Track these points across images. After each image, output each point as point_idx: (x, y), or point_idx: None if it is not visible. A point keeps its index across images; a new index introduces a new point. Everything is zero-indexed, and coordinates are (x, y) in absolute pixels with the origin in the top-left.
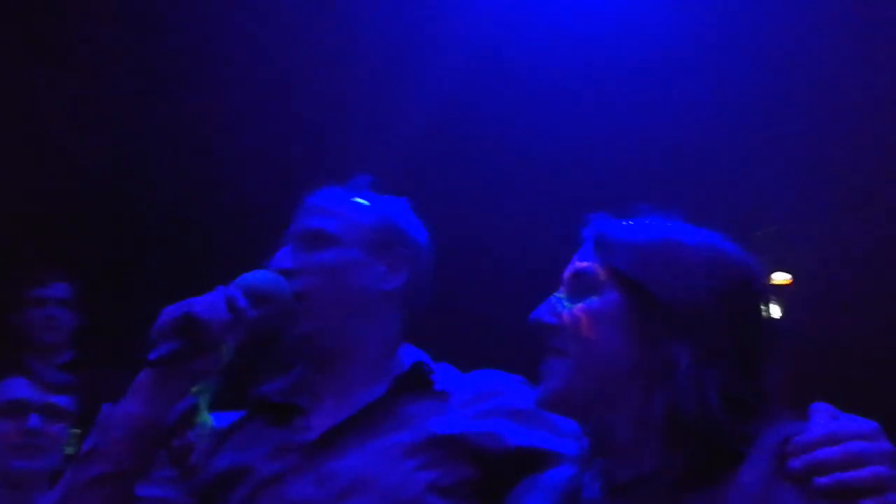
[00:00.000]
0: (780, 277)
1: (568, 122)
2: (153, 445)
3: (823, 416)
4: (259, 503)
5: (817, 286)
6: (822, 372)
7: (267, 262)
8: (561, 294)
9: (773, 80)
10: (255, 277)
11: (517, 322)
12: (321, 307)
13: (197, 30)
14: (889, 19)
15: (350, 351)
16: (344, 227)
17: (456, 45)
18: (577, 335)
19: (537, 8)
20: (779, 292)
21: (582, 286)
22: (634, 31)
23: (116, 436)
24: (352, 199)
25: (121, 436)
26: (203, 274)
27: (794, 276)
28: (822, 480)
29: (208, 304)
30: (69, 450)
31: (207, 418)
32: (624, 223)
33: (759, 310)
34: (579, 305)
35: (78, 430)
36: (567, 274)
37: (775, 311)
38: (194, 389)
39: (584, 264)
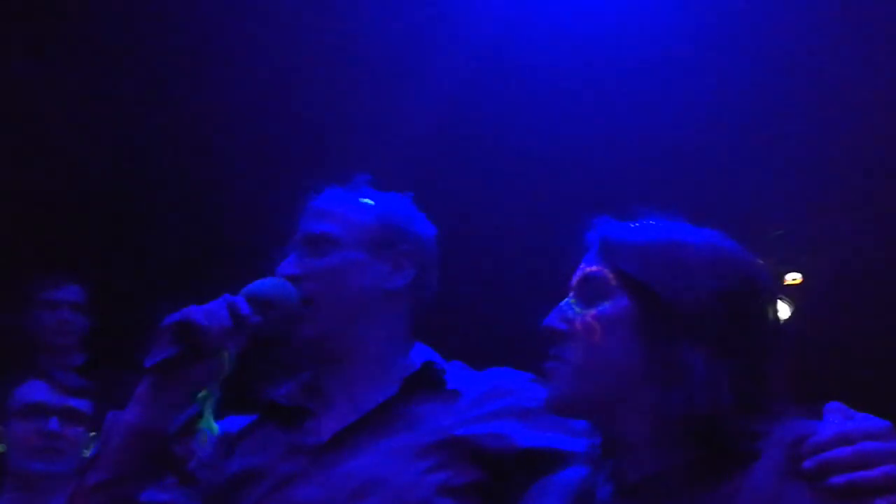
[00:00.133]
0: (792, 277)
1: (573, 123)
2: (154, 453)
3: (837, 416)
4: None
5: (828, 285)
6: (834, 371)
7: (274, 269)
8: (571, 299)
9: (783, 80)
10: (260, 284)
11: (524, 321)
12: (327, 311)
13: (200, 30)
14: None
15: (357, 352)
16: (346, 229)
17: (460, 45)
18: (589, 341)
19: (541, 8)
20: (790, 292)
21: (591, 291)
22: (639, 31)
23: (116, 443)
24: (353, 200)
25: (121, 443)
26: (215, 276)
27: (805, 276)
28: (835, 480)
29: (207, 311)
30: (87, 453)
31: (211, 425)
32: (629, 226)
33: (765, 307)
34: (591, 312)
35: (94, 434)
36: (575, 279)
37: (781, 308)
38: (199, 396)
39: (593, 269)
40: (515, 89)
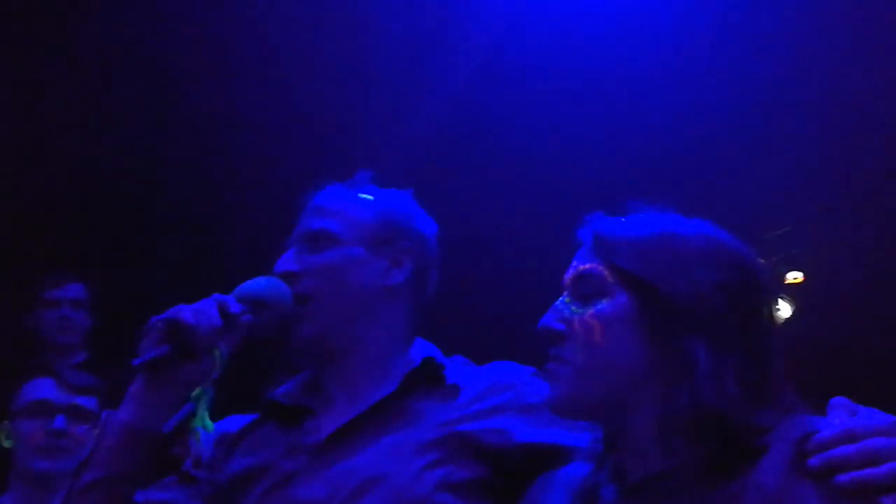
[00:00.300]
0: (793, 276)
1: (575, 124)
2: (147, 452)
3: (842, 412)
4: None
5: (830, 284)
6: (836, 370)
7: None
8: (566, 298)
9: (785, 80)
10: (252, 283)
11: (529, 317)
12: (324, 308)
13: (207, 29)
14: None
15: (356, 349)
16: (345, 225)
17: (463, 46)
18: (589, 341)
19: (546, 9)
20: (792, 291)
21: (587, 289)
22: (645, 32)
23: (110, 442)
24: (353, 197)
25: (114, 442)
26: (217, 274)
27: (807, 275)
28: (841, 479)
29: (196, 310)
30: None
31: (206, 424)
32: (621, 221)
33: (764, 297)
34: (590, 311)
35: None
36: (569, 277)
37: (782, 307)
38: (192, 395)
39: (587, 266)
40: (519, 89)
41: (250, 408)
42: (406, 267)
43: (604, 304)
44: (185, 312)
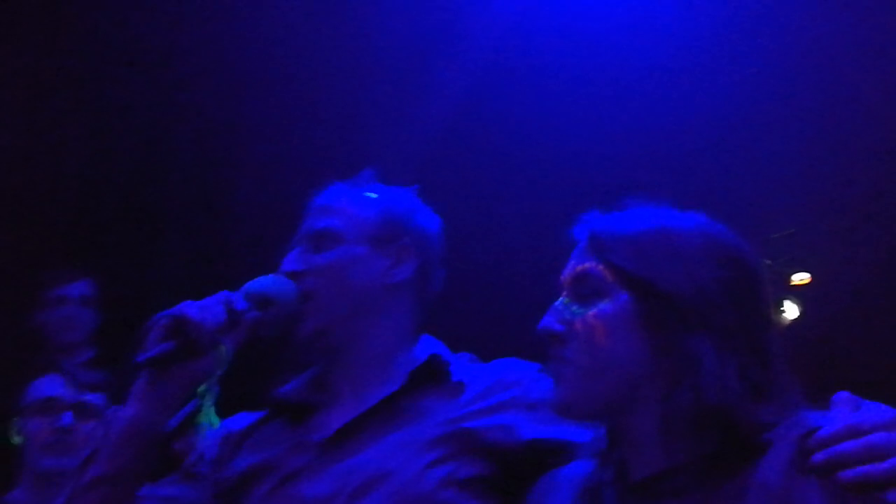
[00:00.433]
0: (800, 277)
1: (580, 123)
2: (152, 448)
3: (845, 408)
4: (276, 502)
5: (836, 285)
6: (842, 370)
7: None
8: (565, 299)
9: (792, 80)
10: (259, 281)
11: (535, 317)
12: (327, 306)
13: (215, 28)
14: None
15: (361, 347)
16: (348, 224)
17: (470, 46)
18: (592, 341)
19: (552, 8)
20: (798, 292)
21: (586, 289)
22: (651, 31)
23: (115, 438)
24: (356, 195)
25: (118, 438)
26: (224, 272)
27: (814, 276)
28: (845, 475)
29: (201, 307)
30: None
31: (211, 420)
32: (616, 218)
33: (762, 290)
34: (591, 311)
35: None
36: (567, 277)
37: (789, 308)
38: (198, 391)
39: (586, 266)
40: (524, 88)
41: (257, 405)
42: (409, 264)
43: (604, 304)
44: (191, 308)
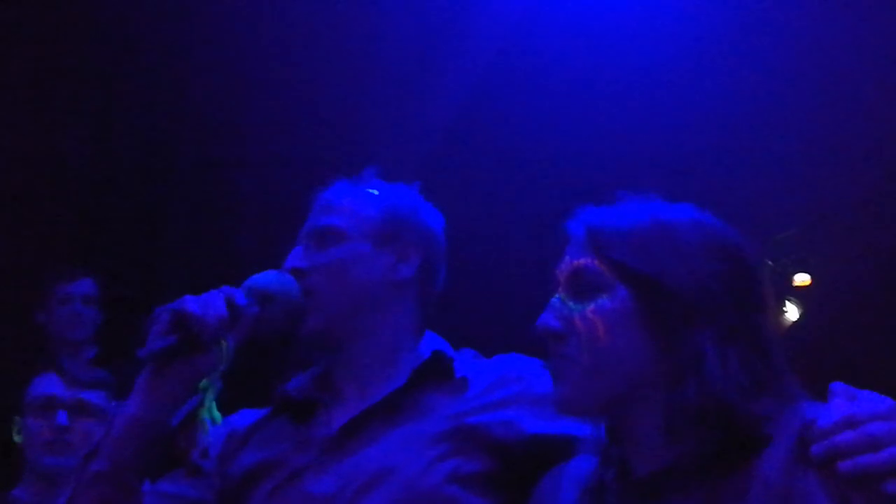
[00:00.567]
0: (801, 278)
1: (584, 121)
2: (154, 443)
3: (841, 399)
4: (280, 499)
5: (837, 287)
6: (842, 371)
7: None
8: (562, 295)
9: (794, 81)
10: (261, 277)
11: (539, 313)
12: (330, 303)
13: (220, 24)
14: None
15: (365, 344)
16: (351, 221)
17: (475, 43)
18: (592, 339)
19: (558, 7)
20: (799, 293)
21: (584, 285)
22: (656, 30)
23: (116, 433)
24: (359, 192)
25: (121, 433)
26: (228, 270)
27: (814, 277)
28: (843, 466)
29: (202, 301)
30: None
31: (214, 415)
32: (611, 212)
33: (759, 281)
34: (590, 307)
35: None
36: (564, 273)
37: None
38: (200, 386)
39: (583, 261)
40: (528, 87)
41: (261, 402)
42: (413, 261)
43: (603, 299)
44: (192, 303)
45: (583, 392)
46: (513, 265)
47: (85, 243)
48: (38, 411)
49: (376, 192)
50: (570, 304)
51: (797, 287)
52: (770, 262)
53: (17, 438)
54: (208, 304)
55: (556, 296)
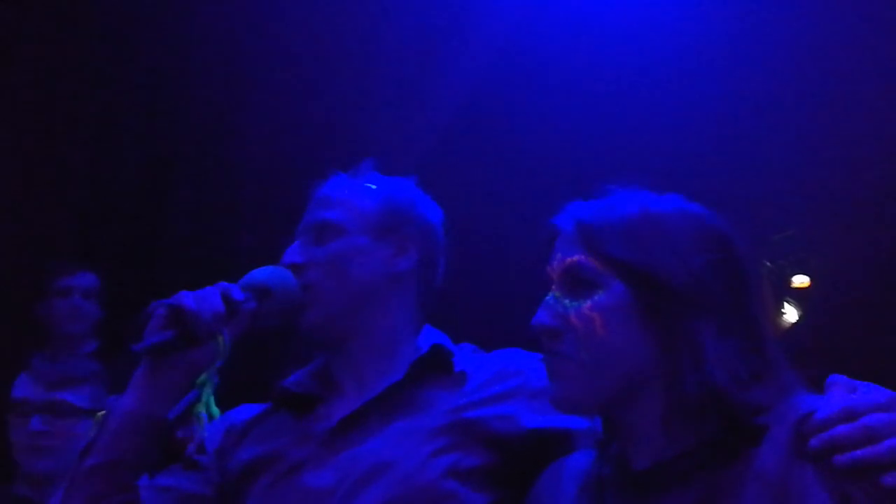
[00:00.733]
0: (799, 280)
1: (589, 120)
2: (150, 437)
3: (839, 390)
4: (279, 493)
5: (836, 288)
6: (842, 373)
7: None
8: (556, 293)
9: (794, 81)
10: (259, 272)
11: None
12: (328, 297)
13: (221, 25)
14: None
15: (364, 338)
16: (349, 215)
17: (479, 39)
18: (589, 336)
19: (560, 3)
20: (798, 295)
21: (579, 282)
22: (656, 31)
23: (113, 427)
24: (357, 186)
25: (117, 428)
26: (228, 265)
27: (813, 279)
28: (841, 459)
29: (199, 296)
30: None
31: (211, 410)
32: (599, 206)
33: (750, 270)
34: (587, 304)
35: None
36: (556, 270)
37: (789, 312)
38: (197, 381)
39: (576, 258)
40: (531, 82)
41: (260, 396)
42: (411, 254)
43: (600, 295)
44: (187, 298)
45: (581, 390)
46: (512, 260)
47: (86, 238)
48: (15, 415)
49: (374, 186)
50: (566, 301)
51: (796, 288)
52: (769, 264)
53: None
54: (204, 300)
55: (551, 293)
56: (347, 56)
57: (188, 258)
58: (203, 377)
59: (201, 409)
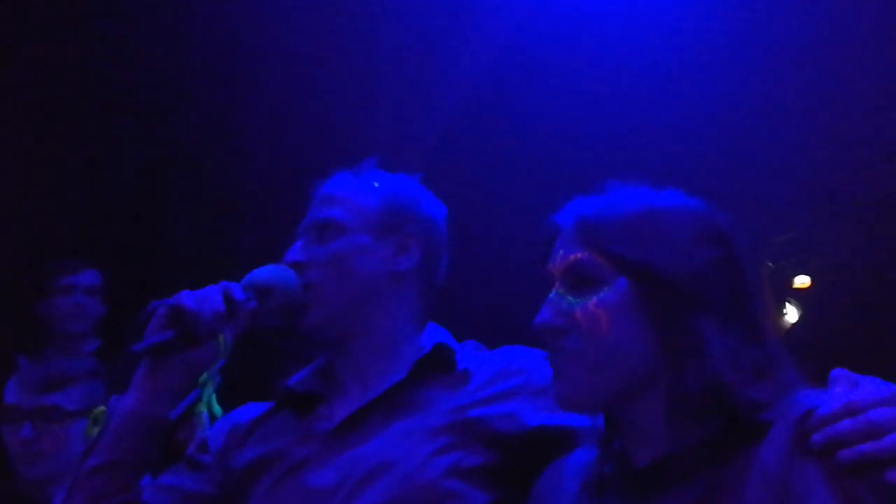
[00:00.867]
0: (801, 280)
1: (591, 118)
2: (152, 437)
3: (842, 385)
4: (281, 492)
5: (837, 288)
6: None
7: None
8: (559, 290)
9: (794, 83)
10: (260, 271)
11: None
12: (330, 296)
13: (223, 21)
14: None
15: (366, 336)
16: (350, 213)
17: (482, 36)
18: (595, 333)
19: (563, 1)
20: (799, 295)
21: (581, 279)
22: (660, 29)
23: (113, 428)
24: (359, 184)
25: (118, 428)
26: (231, 264)
27: (814, 279)
28: (843, 454)
29: (198, 296)
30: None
31: (213, 409)
32: (600, 203)
33: (749, 264)
34: (591, 301)
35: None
36: (558, 268)
37: (790, 311)
38: (199, 381)
39: (579, 255)
40: (534, 79)
41: (264, 396)
42: (413, 252)
43: (605, 292)
44: (187, 298)
45: (586, 388)
46: (514, 258)
47: (88, 237)
48: (6, 421)
49: (376, 184)
50: (569, 298)
51: (797, 289)
52: (770, 264)
53: None
54: (204, 299)
55: (553, 291)
56: (348, 55)
57: (188, 257)
58: (204, 377)
59: (202, 408)
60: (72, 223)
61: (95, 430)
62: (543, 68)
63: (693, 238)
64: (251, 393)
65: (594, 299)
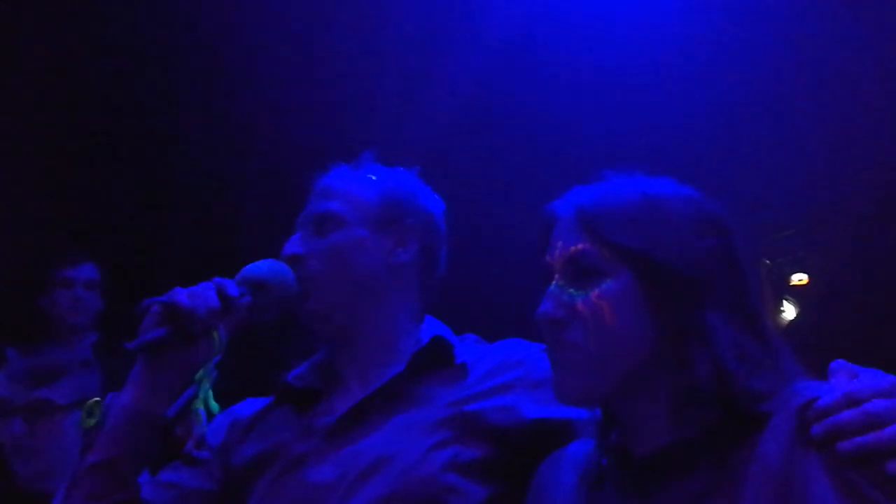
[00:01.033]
0: (798, 277)
1: (592, 118)
2: (149, 434)
3: (842, 376)
4: (282, 488)
5: (835, 286)
6: None
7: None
8: (559, 282)
9: (794, 82)
10: (255, 266)
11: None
12: (328, 290)
13: (225, 17)
14: None
15: (364, 330)
16: (349, 207)
17: (483, 33)
18: (598, 325)
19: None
20: (797, 292)
21: (582, 270)
22: (663, 27)
23: (112, 424)
24: (357, 178)
25: (116, 424)
26: (230, 258)
27: (812, 276)
28: (844, 445)
29: (192, 292)
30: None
31: (210, 405)
32: (599, 192)
33: (745, 253)
34: (594, 293)
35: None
36: (558, 259)
37: (787, 309)
38: (195, 377)
39: (580, 247)
40: (535, 77)
41: (262, 392)
42: (412, 246)
43: (607, 283)
44: (181, 295)
45: (588, 381)
46: (514, 251)
47: (88, 231)
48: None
49: (375, 177)
50: (571, 290)
51: (795, 286)
52: (768, 262)
53: None
54: (198, 296)
55: (553, 283)
56: (350, 50)
57: (188, 256)
58: (201, 373)
59: (199, 405)
60: (70, 223)
61: (90, 422)
62: (546, 63)
63: (693, 226)
64: (246, 388)
65: (596, 291)
